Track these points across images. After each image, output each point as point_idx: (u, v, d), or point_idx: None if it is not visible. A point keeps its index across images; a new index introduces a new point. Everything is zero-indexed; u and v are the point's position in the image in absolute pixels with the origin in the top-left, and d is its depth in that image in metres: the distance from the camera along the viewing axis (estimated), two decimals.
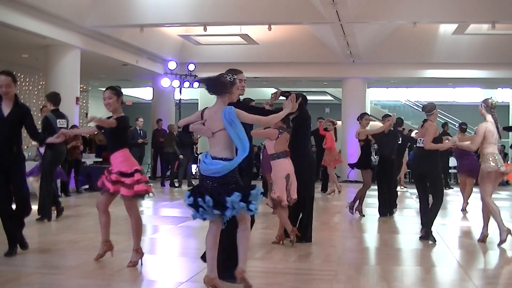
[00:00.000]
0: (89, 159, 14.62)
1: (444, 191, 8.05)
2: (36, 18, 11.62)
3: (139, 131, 14.27)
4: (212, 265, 4.44)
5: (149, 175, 18.79)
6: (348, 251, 6.63)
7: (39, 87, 17.33)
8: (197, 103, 22.71)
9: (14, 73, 5.96)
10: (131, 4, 13.07)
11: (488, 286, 5.20)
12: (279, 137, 6.51)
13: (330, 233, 8.03)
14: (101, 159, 15.74)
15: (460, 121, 12.65)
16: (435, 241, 6.97)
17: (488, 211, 6.92)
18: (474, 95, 24.68)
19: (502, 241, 6.77)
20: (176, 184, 15.28)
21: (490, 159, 6.80)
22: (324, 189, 14.32)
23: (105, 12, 12.90)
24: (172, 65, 16.71)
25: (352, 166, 10.40)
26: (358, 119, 9.68)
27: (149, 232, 7.98)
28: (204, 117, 4.48)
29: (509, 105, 22.69)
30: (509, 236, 6.84)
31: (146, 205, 11.56)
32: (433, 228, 7.17)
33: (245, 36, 15.82)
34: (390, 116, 10.00)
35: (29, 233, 7.22)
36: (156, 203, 11.44)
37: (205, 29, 13.38)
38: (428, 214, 7.13)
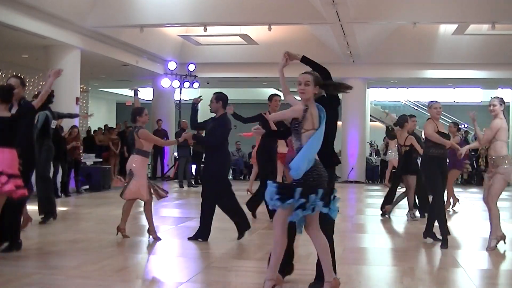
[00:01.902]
0: (89, 159, 14.63)
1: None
2: (36, 18, 11.62)
3: None
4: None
5: (150, 175, 18.82)
6: (348, 251, 6.62)
7: (39, 87, 17.32)
8: None
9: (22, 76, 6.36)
10: (131, 5, 13.07)
11: (488, 287, 5.20)
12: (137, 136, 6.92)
13: None
14: (101, 159, 15.76)
15: (460, 122, 12.59)
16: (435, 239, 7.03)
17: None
18: (474, 95, 24.71)
19: (491, 247, 6.63)
20: (183, 185, 15.39)
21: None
22: None
23: (105, 12, 12.89)
24: (172, 65, 16.71)
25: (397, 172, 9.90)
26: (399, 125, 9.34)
27: None
28: None
29: (509, 106, 22.69)
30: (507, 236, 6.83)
31: None
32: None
33: (245, 37, 15.82)
34: (414, 116, 9.79)
35: (29, 233, 7.23)
36: (156, 204, 11.41)
37: (205, 30, 13.38)
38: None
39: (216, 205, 7.06)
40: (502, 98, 6.88)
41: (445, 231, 6.84)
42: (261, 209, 8.98)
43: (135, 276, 5.39)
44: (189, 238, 6.98)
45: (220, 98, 7.09)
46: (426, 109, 16.08)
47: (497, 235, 6.62)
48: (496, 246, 6.62)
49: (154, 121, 17.94)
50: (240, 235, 7.06)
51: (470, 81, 19.16)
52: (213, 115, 7.15)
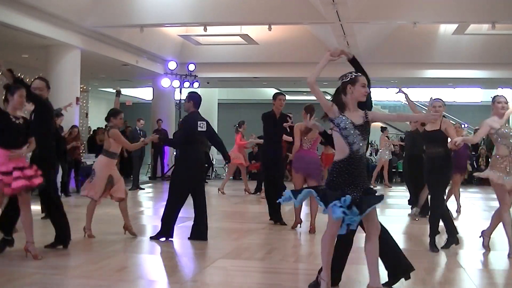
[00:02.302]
0: (89, 159, 14.62)
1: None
2: (36, 18, 11.62)
3: (139, 131, 14.27)
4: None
5: (149, 175, 18.83)
6: None
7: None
8: None
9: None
10: (131, 4, 13.07)
11: (488, 286, 5.20)
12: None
13: None
14: None
15: (460, 122, 12.54)
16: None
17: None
18: (474, 95, 24.72)
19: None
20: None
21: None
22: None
23: (105, 12, 12.89)
24: (172, 65, 16.70)
25: None
26: None
27: (149, 233, 7.98)
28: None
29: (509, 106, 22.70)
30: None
31: (146, 206, 11.57)
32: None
33: (245, 36, 15.82)
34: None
35: None
36: (156, 204, 11.43)
37: (205, 29, 13.37)
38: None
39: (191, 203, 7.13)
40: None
41: (434, 231, 6.75)
42: (262, 209, 8.99)
43: (135, 276, 5.39)
44: (189, 238, 6.99)
45: (191, 97, 7.08)
46: (426, 109, 16.12)
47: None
48: None
49: (154, 121, 17.95)
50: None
51: (470, 81, 19.16)
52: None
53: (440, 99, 6.98)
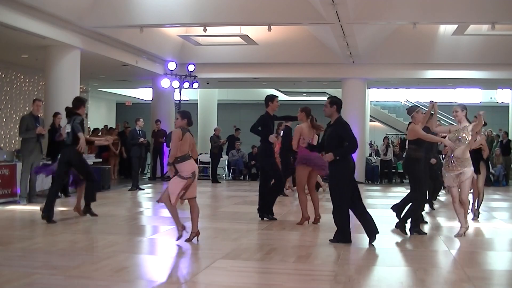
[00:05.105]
0: (89, 160, 14.60)
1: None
2: (36, 18, 11.61)
3: (138, 131, 14.25)
4: None
5: (149, 175, 18.83)
6: (348, 251, 6.62)
7: (39, 87, 17.33)
8: (197, 103, 22.72)
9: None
10: (131, 5, 13.06)
11: (488, 287, 5.20)
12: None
13: (329, 234, 8.01)
14: (101, 159, 15.76)
15: None
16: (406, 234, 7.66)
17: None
18: (474, 96, 24.73)
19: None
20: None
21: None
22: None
23: (105, 12, 12.89)
24: (172, 65, 16.70)
25: None
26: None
27: (149, 233, 7.99)
28: None
29: (509, 106, 22.73)
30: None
31: (146, 206, 11.56)
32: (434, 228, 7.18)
33: (245, 37, 15.82)
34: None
35: (28, 233, 7.24)
36: (156, 204, 11.42)
37: (205, 30, 13.37)
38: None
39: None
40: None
41: (417, 225, 7.83)
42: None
43: (135, 276, 5.39)
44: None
45: (335, 102, 7.44)
46: (426, 109, 16.16)
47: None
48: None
49: (154, 121, 17.95)
50: None
51: (469, 81, 19.16)
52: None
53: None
